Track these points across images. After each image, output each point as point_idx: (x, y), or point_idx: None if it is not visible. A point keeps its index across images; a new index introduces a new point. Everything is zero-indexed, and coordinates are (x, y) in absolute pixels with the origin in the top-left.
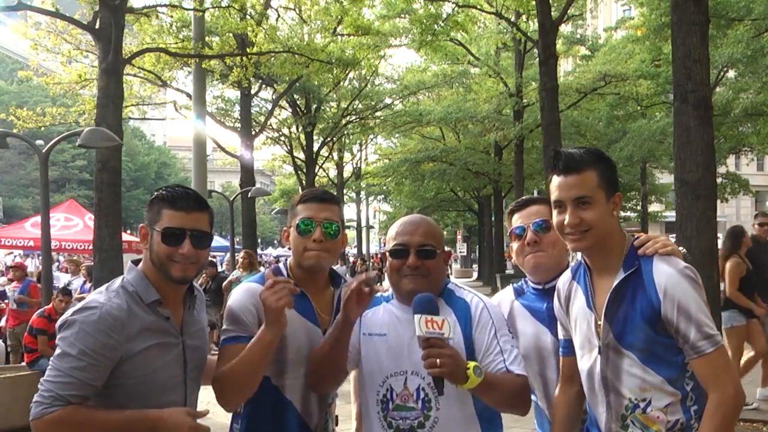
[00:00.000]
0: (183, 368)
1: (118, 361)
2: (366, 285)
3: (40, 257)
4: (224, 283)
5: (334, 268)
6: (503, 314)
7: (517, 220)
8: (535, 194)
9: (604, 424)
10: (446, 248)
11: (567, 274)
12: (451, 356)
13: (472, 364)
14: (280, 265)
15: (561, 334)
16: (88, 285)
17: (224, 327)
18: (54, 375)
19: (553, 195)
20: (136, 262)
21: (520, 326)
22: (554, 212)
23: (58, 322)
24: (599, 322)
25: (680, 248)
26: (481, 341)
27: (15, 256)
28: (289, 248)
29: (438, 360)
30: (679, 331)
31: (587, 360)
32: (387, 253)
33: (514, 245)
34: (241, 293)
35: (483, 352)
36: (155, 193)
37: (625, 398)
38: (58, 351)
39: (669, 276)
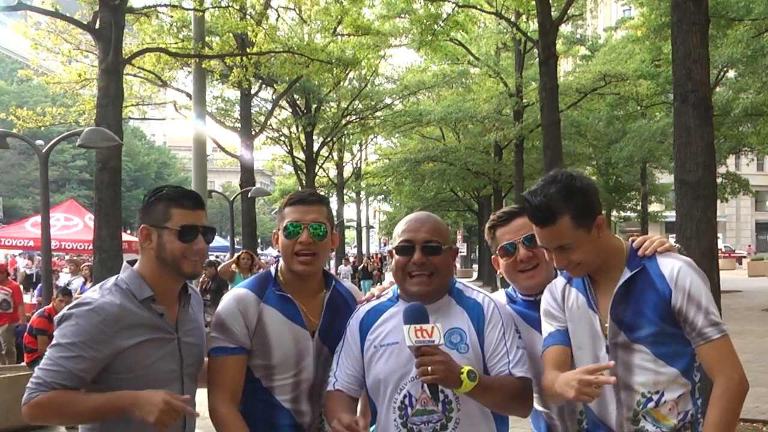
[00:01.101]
0: (179, 363)
1: (110, 355)
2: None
3: (32, 257)
4: (221, 267)
5: (341, 268)
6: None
7: (504, 236)
8: None
9: (615, 421)
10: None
11: (561, 279)
12: (442, 362)
13: (466, 368)
14: (271, 268)
15: (554, 326)
16: (88, 285)
17: (212, 334)
18: (45, 363)
19: (536, 238)
20: (131, 263)
21: None
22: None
23: (57, 318)
24: (605, 324)
25: (675, 245)
26: (490, 341)
27: (15, 255)
28: (279, 251)
29: (429, 367)
30: (688, 319)
31: (591, 361)
32: (393, 251)
33: (502, 261)
34: (230, 300)
35: (490, 352)
36: (156, 195)
37: (638, 393)
38: (53, 342)
39: (678, 268)
